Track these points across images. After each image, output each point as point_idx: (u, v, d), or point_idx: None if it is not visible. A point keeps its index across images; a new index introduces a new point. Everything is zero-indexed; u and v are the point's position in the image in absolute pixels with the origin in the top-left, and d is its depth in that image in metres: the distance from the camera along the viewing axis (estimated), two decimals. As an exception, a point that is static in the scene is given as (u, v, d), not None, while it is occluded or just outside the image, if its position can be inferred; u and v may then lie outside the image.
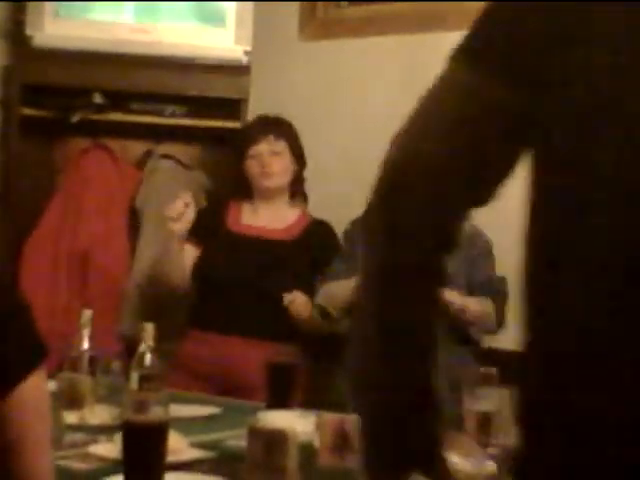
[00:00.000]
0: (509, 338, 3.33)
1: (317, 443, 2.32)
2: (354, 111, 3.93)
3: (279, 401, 2.83)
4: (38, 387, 1.45)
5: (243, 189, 3.64)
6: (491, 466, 2.32)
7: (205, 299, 3.53)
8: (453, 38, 3.92)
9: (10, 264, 3.59)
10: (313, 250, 3.54)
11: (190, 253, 3.57)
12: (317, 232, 3.60)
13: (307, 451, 2.29)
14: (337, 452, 2.29)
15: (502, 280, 3.21)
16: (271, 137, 3.57)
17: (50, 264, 3.80)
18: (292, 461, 2.11)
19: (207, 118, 3.86)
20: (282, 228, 3.59)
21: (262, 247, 3.54)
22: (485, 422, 2.52)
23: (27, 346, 1.44)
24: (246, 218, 3.63)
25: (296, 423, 2.44)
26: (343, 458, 2.27)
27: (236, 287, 3.46)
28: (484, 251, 3.25)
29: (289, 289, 3.40)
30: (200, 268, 3.57)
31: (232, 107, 3.89)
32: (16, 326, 1.42)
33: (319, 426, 2.33)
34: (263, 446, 2.09)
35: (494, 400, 2.53)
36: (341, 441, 2.28)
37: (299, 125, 3.70)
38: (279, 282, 3.42)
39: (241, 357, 3.38)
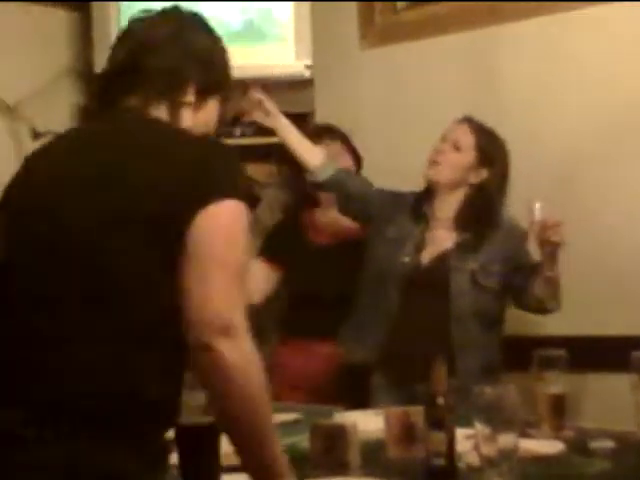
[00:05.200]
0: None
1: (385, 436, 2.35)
2: (418, 114, 3.93)
3: (358, 402, 2.87)
4: None
5: (309, 196, 3.71)
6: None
7: (297, 309, 3.63)
8: (510, 29, 3.91)
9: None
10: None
11: (265, 272, 3.65)
12: None
13: (379, 446, 2.34)
14: (404, 443, 2.31)
15: None
16: (327, 140, 3.63)
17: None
18: (353, 454, 2.17)
19: (275, 134, 3.91)
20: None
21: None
22: (557, 405, 2.51)
23: None
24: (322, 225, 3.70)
25: (371, 421, 2.49)
26: (410, 449, 2.29)
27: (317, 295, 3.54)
28: (524, 240, 3.16)
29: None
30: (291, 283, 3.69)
31: (299, 121, 3.94)
32: None
33: (386, 419, 2.37)
34: (324, 441, 2.14)
35: (563, 383, 2.52)
36: (407, 432, 2.31)
37: (365, 131, 3.75)
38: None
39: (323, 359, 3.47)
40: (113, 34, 3.89)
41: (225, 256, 1.66)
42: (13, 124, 4.01)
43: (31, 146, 3.97)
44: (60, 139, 1.93)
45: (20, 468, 1.59)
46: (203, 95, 1.89)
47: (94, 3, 3.98)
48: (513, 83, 3.76)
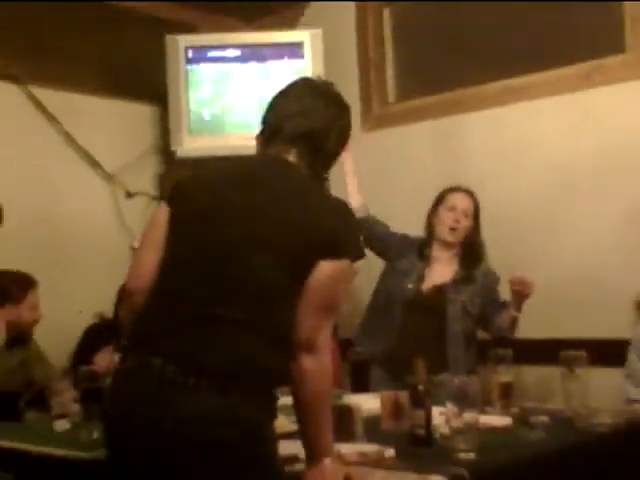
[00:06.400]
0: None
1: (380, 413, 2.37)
2: (404, 182, 3.91)
3: (360, 387, 2.92)
4: None
5: None
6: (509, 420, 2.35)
7: None
8: (470, 117, 3.85)
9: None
10: None
11: None
12: None
13: (376, 421, 2.36)
14: (394, 418, 2.33)
15: None
16: None
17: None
18: (358, 427, 2.18)
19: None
20: None
21: None
22: (506, 390, 2.53)
23: None
24: None
25: (371, 402, 2.50)
26: (399, 422, 2.31)
27: None
28: (496, 282, 3.24)
29: None
30: None
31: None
32: None
33: (381, 400, 2.39)
34: (336, 417, 2.14)
35: (510, 374, 2.54)
36: (397, 410, 2.33)
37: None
38: None
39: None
40: (184, 122, 3.97)
41: (327, 298, 1.73)
42: (112, 187, 4.04)
43: (126, 203, 4.03)
44: (234, 168, 1.87)
45: (182, 407, 1.63)
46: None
47: (170, 100, 3.98)
48: (476, 157, 3.74)
